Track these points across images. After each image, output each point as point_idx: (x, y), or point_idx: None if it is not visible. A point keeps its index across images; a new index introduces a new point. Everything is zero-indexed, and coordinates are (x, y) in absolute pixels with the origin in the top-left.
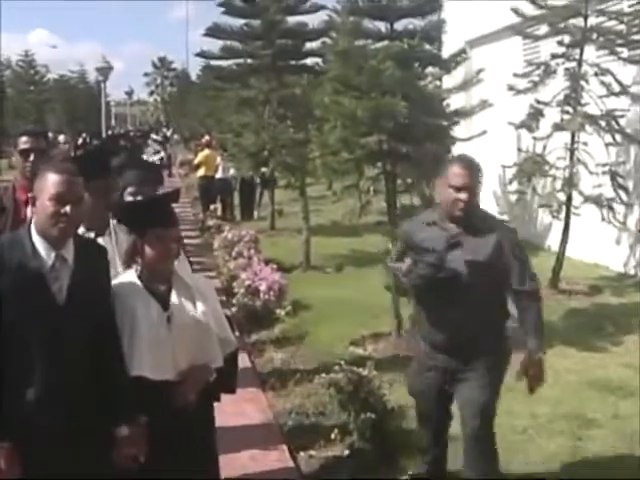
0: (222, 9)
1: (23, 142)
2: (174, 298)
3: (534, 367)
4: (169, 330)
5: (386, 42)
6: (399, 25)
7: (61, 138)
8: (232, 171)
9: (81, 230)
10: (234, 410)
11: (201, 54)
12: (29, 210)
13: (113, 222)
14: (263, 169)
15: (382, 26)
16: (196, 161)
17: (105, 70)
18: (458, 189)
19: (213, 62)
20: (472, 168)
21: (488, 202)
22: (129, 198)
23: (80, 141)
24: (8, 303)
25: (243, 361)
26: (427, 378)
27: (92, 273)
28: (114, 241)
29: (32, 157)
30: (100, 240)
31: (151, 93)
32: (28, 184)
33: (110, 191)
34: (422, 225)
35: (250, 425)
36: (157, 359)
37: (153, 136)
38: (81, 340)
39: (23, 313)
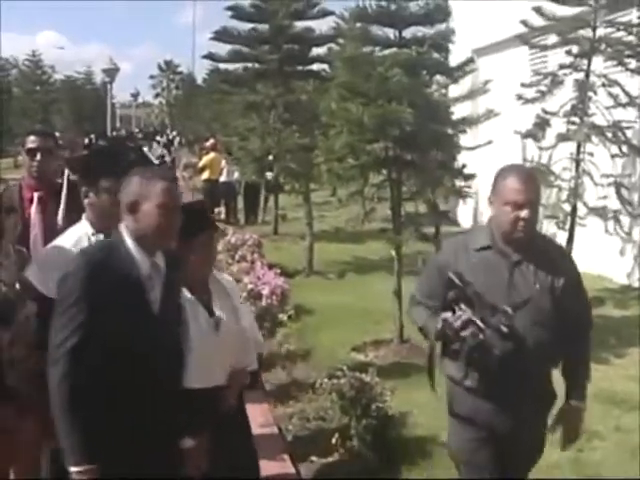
0: (230, 13)
1: (31, 141)
2: (215, 303)
3: (573, 418)
4: (217, 336)
5: (394, 49)
6: (407, 33)
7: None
8: (236, 175)
9: (91, 231)
10: None
11: (209, 56)
12: (33, 209)
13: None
14: (268, 174)
15: (390, 33)
16: (200, 164)
17: (112, 71)
18: (518, 206)
19: (221, 66)
20: (533, 181)
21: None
22: None
23: (87, 141)
24: (108, 312)
25: None
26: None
27: (176, 280)
28: None
29: (39, 157)
30: None
31: (156, 96)
32: (35, 183)
33: None
34: (468, 250)
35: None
36: (208, 366)
37: (158, 138)
38: (170, 349)
39: (123, 323)
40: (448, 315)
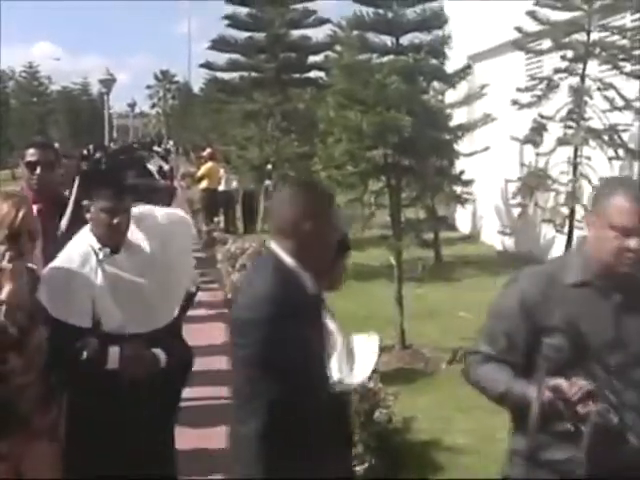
0: (227, 22)
1: (30, 154)
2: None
3: None
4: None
5: (391, 56)
6: (404, 39)
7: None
8: (235, 183)
9: (97, 246)
10: None
11: (206, 65)
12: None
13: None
14: (267, 182)
15: (387, 40)
16: (199, 173)
17: (108, 82)
18: (627, 232)
19: (217, 75)
20: None
21: (491, 217)
22: None
23: (85, 152)
24: (293, 346)
25: None
26: None
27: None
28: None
29: (39, 170)
30: (116, 257)
31: (153, 106)
32: (34, 196)
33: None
34: (557, 285)
35: None
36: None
37: (155, 148)
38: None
39: (305, 356)
40: (561, 382)
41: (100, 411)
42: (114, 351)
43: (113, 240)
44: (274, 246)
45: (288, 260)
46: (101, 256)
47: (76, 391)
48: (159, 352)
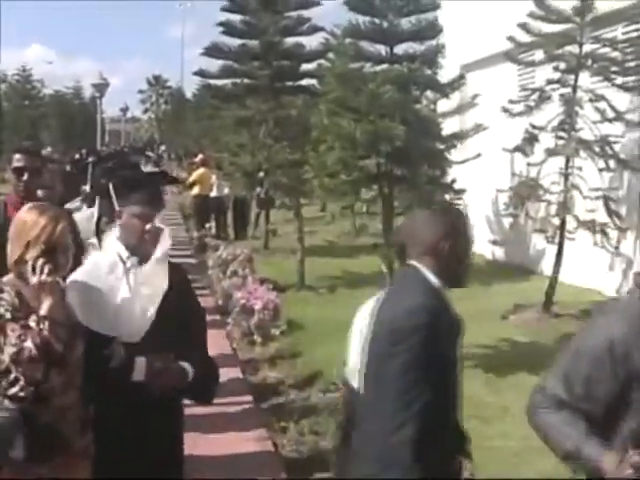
0: (220, 29)
1: (17, 160)
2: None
3: None
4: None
5: (385, 65)
6: (398, 49)
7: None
8: (227, 190)
9: (125, 254)
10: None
11: (199, 73)
12: None
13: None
14: (258, 189)
15: (382, 49)
16: (191, 179)
17: (101, 86)
18: None
19: (211, 81)
20: None
21: (481, 226)
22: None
23: (77, 156)
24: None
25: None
26: None
27: None
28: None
29: (26, 176)
30: (143, 267)
31: (145, 111)
32: (21, 203)
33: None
34: None
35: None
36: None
37: (148, 153)
38: None
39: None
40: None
41: (125, 423)
42: (140, 362)
43: (143, 248)
44: (418, 265)
45: (433, 279)
46: (129, 264)
47: (102, 402)
48: (187, 366)
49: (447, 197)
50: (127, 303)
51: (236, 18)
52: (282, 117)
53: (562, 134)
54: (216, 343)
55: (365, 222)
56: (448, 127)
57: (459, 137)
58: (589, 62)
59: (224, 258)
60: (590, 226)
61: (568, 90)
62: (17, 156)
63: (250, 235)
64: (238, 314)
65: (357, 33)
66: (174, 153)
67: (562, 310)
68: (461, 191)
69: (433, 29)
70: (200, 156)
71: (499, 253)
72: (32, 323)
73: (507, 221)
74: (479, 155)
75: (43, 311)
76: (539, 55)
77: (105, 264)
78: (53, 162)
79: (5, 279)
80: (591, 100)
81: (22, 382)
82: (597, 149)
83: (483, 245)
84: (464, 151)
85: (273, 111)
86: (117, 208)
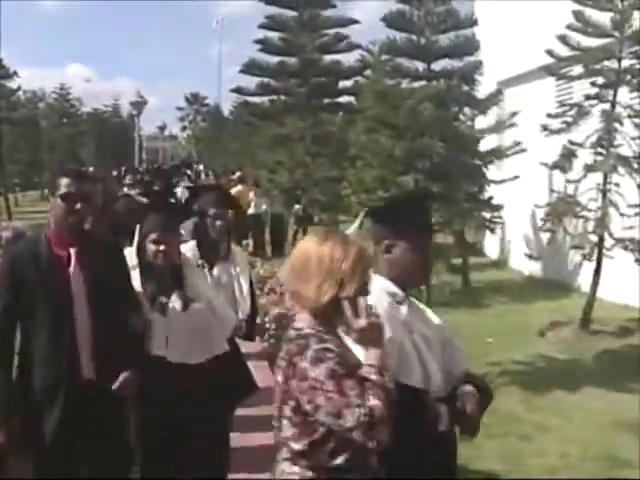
0: (258, 46)
1: (66, 185)
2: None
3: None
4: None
5: (423, 82)
6: (436, 65)
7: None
8: (264, 207)
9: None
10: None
11: (237, 90)
12: (72, 268)
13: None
14: (296, 206)
15: (419, 66)
16: None
17: (139, 104)
18: None
19: (248, 99)
20: None
21: (519, 243)
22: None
23: (114, 173)
24: None
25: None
26: None
27: None
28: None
29: (79, 205)
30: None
31: (184, 128)
32: (69, 237)
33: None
34: None
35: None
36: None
37: (187, 172)
38: None
39: None
40: None
41: None
42: (444, 410)
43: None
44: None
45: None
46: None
47: None
48: None
49: (484, 214)
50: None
51: (274, 35)
52: (320, 134)
53: (600, 150)
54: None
55: None
56: (486, 143)
57: (497, 154)
58: (628, 77)
59: (262, 275)
60: (628, 243)
61: (607, 106)
62: (65, 181)
63: (287, 252)
64: (275, 330)
65: (395, 50)
66: (211, 171)
67: (600, 327)
68: (499, 207)
69: (470, 45)
70: (238, 173)
71: (536, 269)
72: (373, 376)
73: (545, 237)
74: (517, 177)
75: (373, 359)
76: (577, 70)
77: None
78: (98, 182)
79: (301, 324)
80: (630, 116)
81: (351, 450)
82: (636, 165)
83: (521, 261)
84: (502, 167)
85: (311, 128)
86: (386, 241)
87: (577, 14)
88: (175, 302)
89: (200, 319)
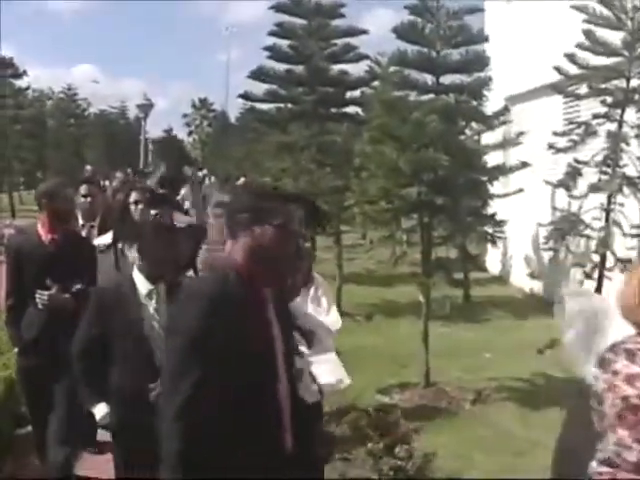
0: (267, 54)
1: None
2: None
3: None
4: None
5: (431, 95)
6: (445, 79)
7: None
8: None
9: None
10: None
11: (244, 96)
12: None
13: None
14: None
15: (428, 79)
16: None
17: (146, 107)
18: None
19: (256, 105)
20: None
21: (521, 260)
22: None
23: (118, 175)
24: None
25: None
26: None
27: None
28: None
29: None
30: None
31: (190, 133)
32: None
33: None
34: None
35: None
36: None
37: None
38: None
39: None
40: None
41: None
42: None
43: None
44: None
45: None
46: None
47: None
48: None
49: (487, 229)
50: None
51: (283, 43)
52: (325, 143)
53: (606, 169)
54: None
55: (405, 250)
56: (491, 158)
57: (502, 170)
58: (636, 97)
59: None
60: (626, 264)
61: (614, 125)
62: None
63: None
64: None
65: (404, 61)
66: (215, 176)
67: None
68: (502, 222)
69: (481, 61)
70: (242, 179)
71: (537, 286)
72: None
73: (547, 255)
74: (521, 190)
75: None
76: (585, 88)
77: None
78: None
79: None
80: (637, 136)
81: None
82: None
83: (522, 278)
84: (507, 183)
85: (316, 137)
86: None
87: (587, 33)
88: None
89: None
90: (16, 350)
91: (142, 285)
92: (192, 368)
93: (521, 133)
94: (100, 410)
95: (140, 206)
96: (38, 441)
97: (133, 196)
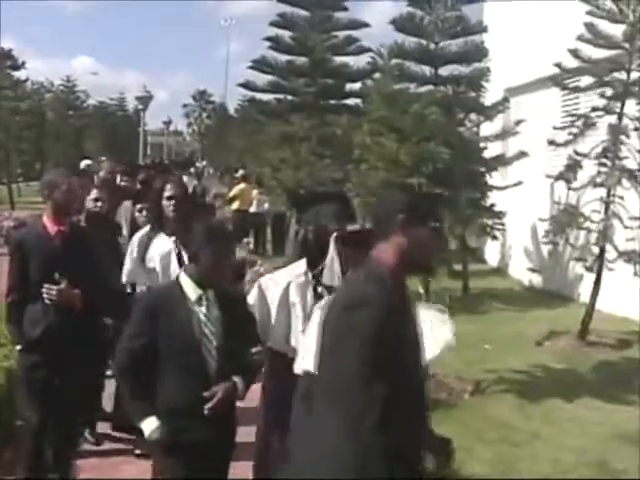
0: (268, 44)
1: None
2: None
3: None
4: None
5: (430, 87)
6: (443, 70)
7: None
8: (266, 205)
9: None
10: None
11: (244, 85)
12: None
13: None
14: None
15: (427, 70)
16: (231, 194)
17: (145, 99)
18: None
19: (256, 96)
20: None
21: (520, 252)
22: None
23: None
24: None
25: None
26: None
27: None
28: None
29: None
30: None
31: (189, 125)
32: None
33: None
34: None
35: None
36: None
37: (191, 170)
38: None
39: None
40: None
41: None
42: None
43: None
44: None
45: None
46: None
47: None
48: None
49: (486, 220)
50: None
51: (285, 34)
52: (325, 135)
53: (605, 161)
54: None
55: None
56: (490, 149)
57: (501, 161)
58: (636, 89)
59: (261, 273)
60: (629, 257)
61: (614, 118)
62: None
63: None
64: None
65: (403, 53)
66: (215, 168)
67: (598, 338)
68: (501, 214)
69: (479, 52)
70: (241, 171)
71: (537, 280)
72: None
73: (546, 248)
74: (520, 183)
75: None
76: (585, 80)
77: None
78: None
79: None
80: (637, 128)
81: None
82: None
83: (521, 270)
84: (505, 174)
85: (317, 128)
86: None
87: (588, 26)
88: None
89: None
90: (18, 347)
91: (191, 290)
92: (378, 376)
93: (519, 122)
94: (149, 424)
95: (173, 202)
96: (36, 441)
97: (168, 191)
